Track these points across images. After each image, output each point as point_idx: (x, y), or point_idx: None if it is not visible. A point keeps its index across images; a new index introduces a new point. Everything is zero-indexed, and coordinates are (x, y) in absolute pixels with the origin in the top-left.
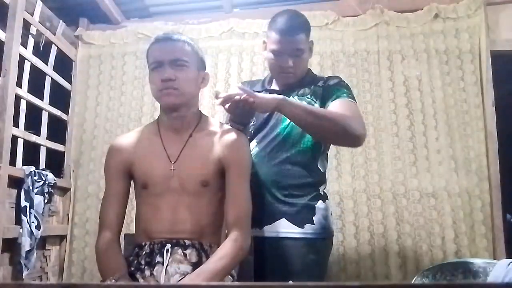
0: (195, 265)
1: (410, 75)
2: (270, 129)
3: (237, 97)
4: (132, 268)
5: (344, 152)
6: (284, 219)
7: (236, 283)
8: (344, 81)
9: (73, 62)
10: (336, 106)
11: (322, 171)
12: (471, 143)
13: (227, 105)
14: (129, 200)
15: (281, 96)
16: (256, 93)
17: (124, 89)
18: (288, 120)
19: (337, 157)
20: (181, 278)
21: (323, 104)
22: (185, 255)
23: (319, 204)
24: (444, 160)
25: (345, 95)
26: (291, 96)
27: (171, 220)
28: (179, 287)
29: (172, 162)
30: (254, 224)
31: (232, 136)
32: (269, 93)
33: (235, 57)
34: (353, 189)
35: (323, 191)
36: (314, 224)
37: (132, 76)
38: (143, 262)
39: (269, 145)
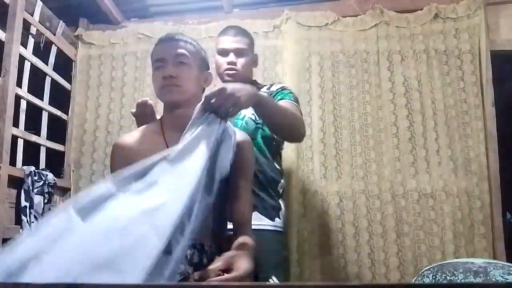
0: (196, 266)
1: (409, 76)
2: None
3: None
4: None
5: (344, 153)
6: (256, 212)
7: (236, 283)
8: (287, 87)
9: (73, 62)
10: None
11: (279, 168)
12: (471, 143)
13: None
14: None
15: (255, 90)
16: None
17: (126, 90)
18: (243, 115)
19: (337, 158)
20: (181, 278)
21: None
22: (185, 255)
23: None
24: (442, 161)
25: (289, 97)
26: None
27: None
28: (179, 287)
29: None
30: None
31: (236, 137)
32: None
33: None
34: (352, 190)
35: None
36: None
37: (132, 77)
38: None
39: None
